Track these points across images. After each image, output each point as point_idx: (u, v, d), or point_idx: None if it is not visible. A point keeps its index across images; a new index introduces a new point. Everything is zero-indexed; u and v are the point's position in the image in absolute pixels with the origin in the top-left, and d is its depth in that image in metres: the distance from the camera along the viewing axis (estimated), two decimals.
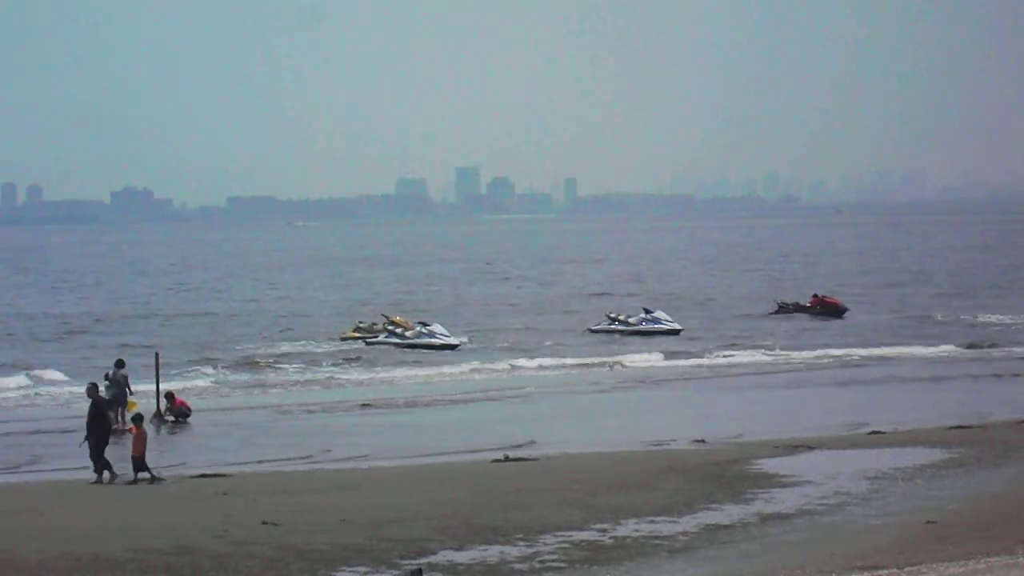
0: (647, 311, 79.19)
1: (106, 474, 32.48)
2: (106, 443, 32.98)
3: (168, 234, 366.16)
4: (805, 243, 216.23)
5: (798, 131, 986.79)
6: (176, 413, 45.84)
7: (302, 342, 75.04)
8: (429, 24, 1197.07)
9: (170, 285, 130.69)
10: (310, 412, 48.77)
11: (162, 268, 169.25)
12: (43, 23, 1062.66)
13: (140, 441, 32.68)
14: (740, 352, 66.90)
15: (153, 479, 32.26)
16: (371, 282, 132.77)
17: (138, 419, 33.70)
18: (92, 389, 34.67)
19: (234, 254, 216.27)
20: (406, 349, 69.29)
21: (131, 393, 45.74)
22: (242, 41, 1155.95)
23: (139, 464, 32.44)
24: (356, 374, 61.01)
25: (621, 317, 78.23)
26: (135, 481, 32.21)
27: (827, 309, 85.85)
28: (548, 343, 72.13)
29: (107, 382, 44.76)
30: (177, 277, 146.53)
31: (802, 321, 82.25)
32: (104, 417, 33.65)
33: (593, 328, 77.96)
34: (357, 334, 74.60)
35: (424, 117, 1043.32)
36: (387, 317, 75.42)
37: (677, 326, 77.25)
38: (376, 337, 72.42)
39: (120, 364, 46.23)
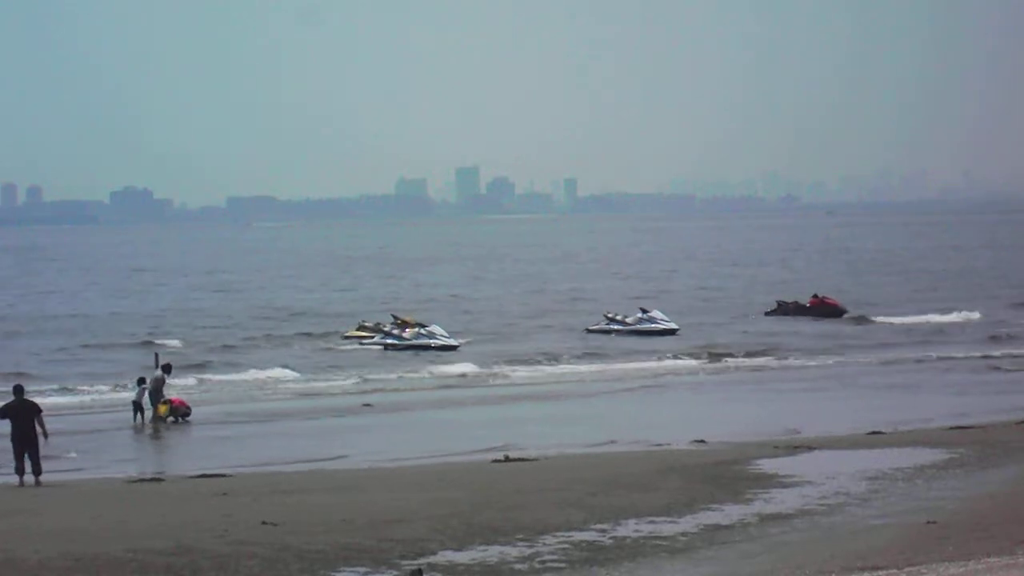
0: (643, 311, 79.32)
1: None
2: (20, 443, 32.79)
3: (171, 235, 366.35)
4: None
5: (798, 131, 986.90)
6: (176, 413, 45.86)
7: (299, 342, 75.06)
8: (429, 24, 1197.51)
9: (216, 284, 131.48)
10: (312, 412, 48.79)
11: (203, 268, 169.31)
12: (43, 23, 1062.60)
13: None
14: (741, 354, 66.94)
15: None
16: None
17: None
18: (17, 389, 34.43)
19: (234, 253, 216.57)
20: (405, 351, 69.21)
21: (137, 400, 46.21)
22: (242, 41, 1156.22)
23: None
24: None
25: (619, 317, 78.35)
26: None
27: (826, 310, 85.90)
28: (545, 346, 72.04)
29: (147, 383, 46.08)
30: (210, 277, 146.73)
31: (802, 322, 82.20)
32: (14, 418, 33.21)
33: (591, 328, 78.02)
34: (362, 333, 74.34)
35: (424, 117, 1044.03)
36: (396, 316, 75.34)
37: (674, 325, 77.36)
38: (373, 338, 72.07)
39: (166, 369, 47.02)
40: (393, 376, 60.11)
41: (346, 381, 58.58)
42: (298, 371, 61.24)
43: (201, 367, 62.49)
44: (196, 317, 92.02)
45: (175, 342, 73.79)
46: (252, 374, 60.32)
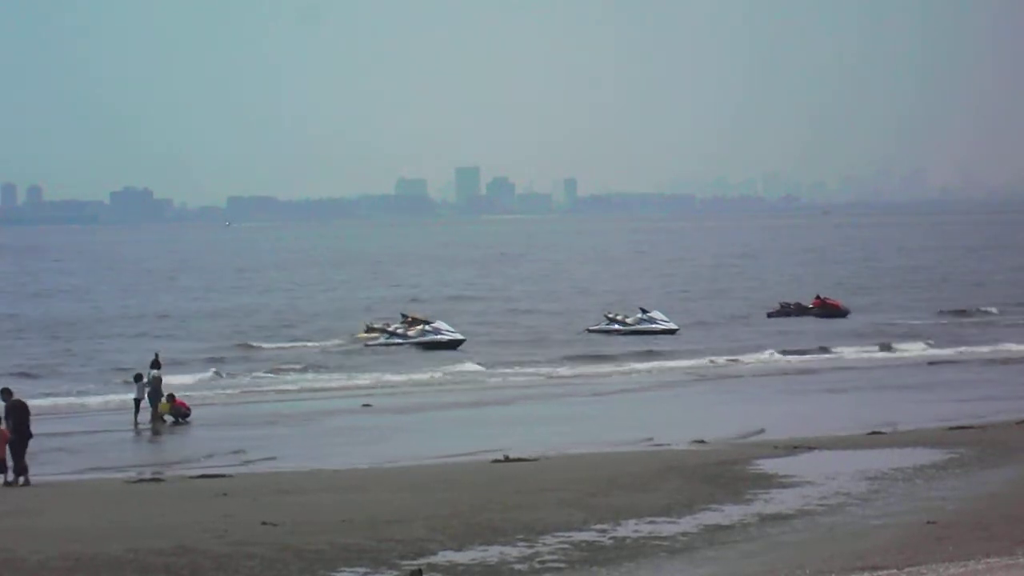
0: (643, 311, 79.31)
1: (9, 475, 32.50)
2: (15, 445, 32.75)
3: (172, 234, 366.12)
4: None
5: (798, 131, 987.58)
6: (176, 413, 45.89)
7: (301, 342, 75.09)
8: (429, 24, 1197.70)
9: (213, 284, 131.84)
10: (312, 413, 48.78)
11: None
12: (43, 23, 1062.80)
13: (1, 442, 32.56)
14: (741, 354, 66.92)
15: (6, 483, 32.33)
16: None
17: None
18: (6, 393, 34.33)
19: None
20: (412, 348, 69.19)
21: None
22: (242, 41, 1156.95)
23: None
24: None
25: (619, 317, 78.35)
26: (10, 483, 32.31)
27: (829, 311, 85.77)
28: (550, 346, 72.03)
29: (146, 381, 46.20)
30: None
31: (804, 323, 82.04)
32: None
33: (591, 328, 78.03)
34: (369, 334, 74.22)
35: (424, 117, 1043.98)
36: (405, 315, 75.37)
37: (673, 326, 77.37)
38: (379, 339, 71.95)
39: (155, 365, 47.05)
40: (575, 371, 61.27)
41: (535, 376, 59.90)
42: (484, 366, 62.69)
43: (374, 365, 63.94)
44: (345, 312, 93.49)
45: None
46: (427, 372, 61.07)
